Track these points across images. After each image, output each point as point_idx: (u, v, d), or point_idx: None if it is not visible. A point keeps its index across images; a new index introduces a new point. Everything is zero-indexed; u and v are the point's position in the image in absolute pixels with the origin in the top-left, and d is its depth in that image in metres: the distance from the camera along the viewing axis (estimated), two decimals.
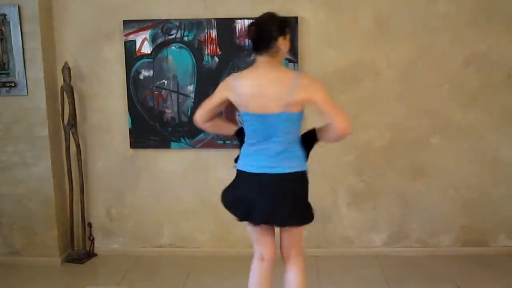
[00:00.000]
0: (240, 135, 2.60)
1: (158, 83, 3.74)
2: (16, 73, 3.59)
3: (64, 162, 3.84)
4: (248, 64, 3.60)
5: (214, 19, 3.64)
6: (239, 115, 3.39)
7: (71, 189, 3.84)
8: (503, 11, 3.59)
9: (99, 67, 3.78)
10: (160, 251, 3.93)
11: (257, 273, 2.55)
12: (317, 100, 2.32)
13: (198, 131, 3.72)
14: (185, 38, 3.67)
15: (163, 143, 3.80)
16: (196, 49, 3.68)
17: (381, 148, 3.76)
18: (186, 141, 3.78)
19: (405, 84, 3.68)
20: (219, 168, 3.76)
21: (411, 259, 3.74)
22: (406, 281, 3.40)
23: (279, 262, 2.60)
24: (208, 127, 2.63)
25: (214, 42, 3.66)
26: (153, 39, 3.69)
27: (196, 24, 3.66)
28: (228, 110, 3.44)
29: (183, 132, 3.77)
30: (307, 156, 2.49)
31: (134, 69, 3.73)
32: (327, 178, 3.75)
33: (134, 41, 3.69)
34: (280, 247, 2.57)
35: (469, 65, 3.64)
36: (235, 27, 3.63)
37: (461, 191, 3.78)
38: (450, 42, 3.62)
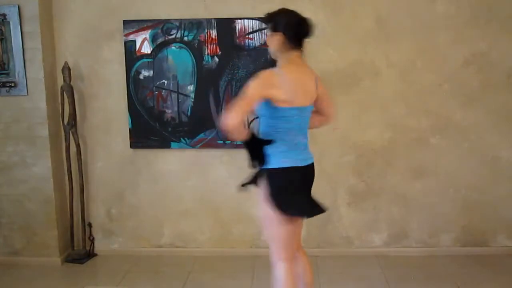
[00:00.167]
0: (253, 140, 2.42)
1: (158, 83, 3.74)
2: (16, 73, 3.59)
3: (64, 162, 3.84)
4: (248, 64, 3.63)
5: (214, 19, 3.64)
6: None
7: (71, 189, 3.84)
8: (503, 11, 3.58)
9: (99, 67, 3.78)
10: (160, 251, 3.93)
11: (295, 274, 2.54)
12: (324, 92, 2.55)
13: (198, 131, 3.74)
14: (185, 38, 3.67)
15: (163, 143, 3.80)
16: (196, 49, 3.68)
17: (381, 148, 3.76)
18: (186, 141, 3.78)
19: (405, 84, 3.68)
20: (219, 168, 3.77)
21: (411, 259, 3.74)
22: (406, 281, 3.40)
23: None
24: (243, 131, 2.34)
25: (214, 42, 3.66)
26: (153, 39, 3.69)
27: (196, 24, 3.66)
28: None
29: (183, 132, 3.77)
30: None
31: (134, 69, 3.73)
32: (327, 178, 3.75)
33: (134, 41, 3.69)
34: None
35: (469, 65, 3.64)
36: (235, 27, 3.62)
37: (461, 191, 3.78)
38: (450, 42, 3.62)
